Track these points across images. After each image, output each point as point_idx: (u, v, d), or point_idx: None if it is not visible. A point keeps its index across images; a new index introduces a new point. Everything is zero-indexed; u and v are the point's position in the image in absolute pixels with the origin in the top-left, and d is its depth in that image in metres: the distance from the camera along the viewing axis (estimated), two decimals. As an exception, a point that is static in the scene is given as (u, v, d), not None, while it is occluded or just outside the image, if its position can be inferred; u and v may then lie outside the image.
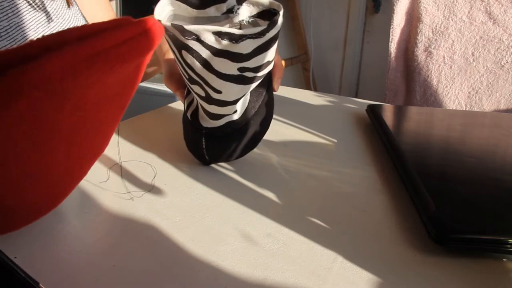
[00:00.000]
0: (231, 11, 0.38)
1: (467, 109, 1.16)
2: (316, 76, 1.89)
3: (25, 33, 0.48)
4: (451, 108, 1.17)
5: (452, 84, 1.15)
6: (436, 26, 1.13)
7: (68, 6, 0.54)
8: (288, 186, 0.43)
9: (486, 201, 0.38)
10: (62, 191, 0.33)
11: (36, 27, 0.49)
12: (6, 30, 0.46)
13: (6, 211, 0.28)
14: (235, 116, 0.42)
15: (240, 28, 0.38)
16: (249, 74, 0.36)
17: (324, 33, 1.84)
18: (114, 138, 0.52)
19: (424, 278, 0.31)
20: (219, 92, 0.37)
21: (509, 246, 0.32)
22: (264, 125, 0.45)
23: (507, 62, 1.08)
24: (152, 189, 0.41)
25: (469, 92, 1.14)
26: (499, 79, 1.11)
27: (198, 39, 0.32)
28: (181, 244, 0.33)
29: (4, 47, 0.46)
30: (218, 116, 0.40)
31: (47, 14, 0.51)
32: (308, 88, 1.85)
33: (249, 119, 0.43)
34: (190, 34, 0.32)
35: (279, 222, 0.37)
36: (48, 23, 0.50)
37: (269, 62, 0.37)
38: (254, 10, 0.38)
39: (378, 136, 0.56)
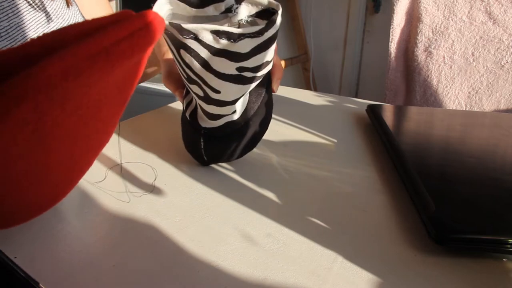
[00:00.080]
0: (229, 11, 0.38)
1: (467, 109, 1.16)
2: (316, 76, 1.89)
3: (25, 33, 0.48)
4: (451, 108, 1.17)
5: (452, 84, 1.15)
6: (436, 26, 1.13)
7: (68, 6, 0.55)
8: (288, 186, 0.43)
9: (486, 201, 0.38)
10: (63, 188, 0.33)
11: (36, 27, 0.49)
12: (6, 30, 0.46)
13: (5, 210, 0.28)
14: (234, 117, 0.42)
15: (238, 28, 0.38)
16: (248, 74, 0.36)
17: (324, 33, 1.84)
18: (115, 138, 0.53)
19: (424, 278, 0.31)
20: (217, 92, 0.37)
21: (509, 246, 0.32)
22: (263, 126, 0.45)
23: (507, 62, 1.08)
24: (152, 189, 0.41)
25: (469, 92, 1.14)
26: (499, 79, 1.11)
27: (196, 38, 0.32)
28: (181, 244, 0.33)
29: (4, 47, 0.46)
30: (217, 116, 0.40)
31: (47, 14, 0.51)
32: (308, 88, 1.85)
33: (248, 119, 0.43)
34: (188, 33, 0.32)
35: (279, 222, 0.37)
36: (48, 23, 0.50)
37: (268, 62, 0.37)
38: (253, 10, 0.38)
39: (378, 136, 0.56)
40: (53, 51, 0.20)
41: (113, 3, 1.56)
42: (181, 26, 0.31)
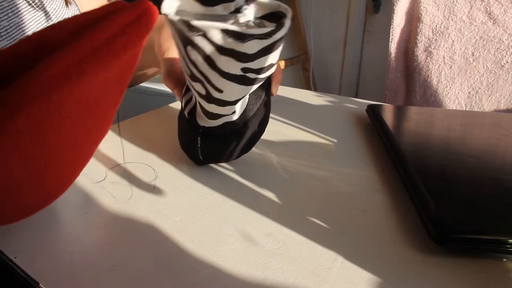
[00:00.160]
0: (238, 11, 0.37)
1: (467, 109, 1.16)
2: (316, 76, 1.89)
3: (25, 33, 0.48)
4: (451, 108, 1.17)
5: (452, 84, 1.15)
6: (436, 26, 1.13)
7: (67, 5, 0.55)
8: (288, 186, 0.43)
9: (486, 201, 0.38)
10: (63, 185, 0.33)
11: (36, 27, 0.49)
12: (6, 30, 0.46)
13: (5, 208, 0.28)
14: (234, 117, 0.42)
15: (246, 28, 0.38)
16: (251, 75, 0.36)
17: (324, 33, 1.84)
18: (116, 139, 0.52)
19: (424, 278, 0.31)
20: (220, 91, 0.37)
21: (509, 246, 0.32)
22: (261, 127, 0.46)
23: (507, 62, 1.08)
24: (152, 189, 0.41)
25: (469, 92, 1.15)
26: (499, 79, 1.11)
27: (205, 36, 0.32)
28: (181, 244, 0.33)
29: (4, 47, 0.46)
30: (217, 116, 0.40)
31: (46, 14, 0.51)
32: (308, 88, 1.85)
33: (247, 120, 0.43)
34: (197, 30, 0.32)
35: (279, 222, 0.37)
36: (48, 23, 0.50)
37: (272, 65, 0.37)
38: (261, 12, 0.38)
39: (378, 136, 0.56)
40: (47, 49, 0.20)
41: (113, 3, 1.56)
42: (190, 23, 0.31)
